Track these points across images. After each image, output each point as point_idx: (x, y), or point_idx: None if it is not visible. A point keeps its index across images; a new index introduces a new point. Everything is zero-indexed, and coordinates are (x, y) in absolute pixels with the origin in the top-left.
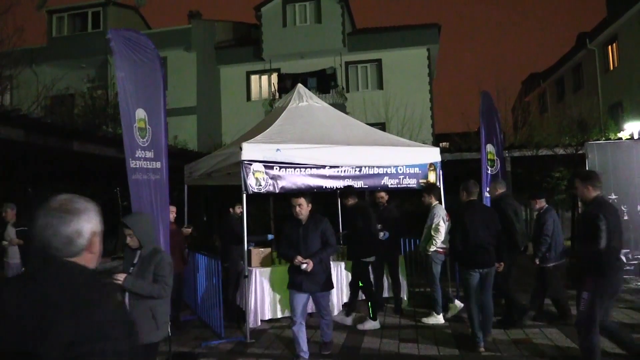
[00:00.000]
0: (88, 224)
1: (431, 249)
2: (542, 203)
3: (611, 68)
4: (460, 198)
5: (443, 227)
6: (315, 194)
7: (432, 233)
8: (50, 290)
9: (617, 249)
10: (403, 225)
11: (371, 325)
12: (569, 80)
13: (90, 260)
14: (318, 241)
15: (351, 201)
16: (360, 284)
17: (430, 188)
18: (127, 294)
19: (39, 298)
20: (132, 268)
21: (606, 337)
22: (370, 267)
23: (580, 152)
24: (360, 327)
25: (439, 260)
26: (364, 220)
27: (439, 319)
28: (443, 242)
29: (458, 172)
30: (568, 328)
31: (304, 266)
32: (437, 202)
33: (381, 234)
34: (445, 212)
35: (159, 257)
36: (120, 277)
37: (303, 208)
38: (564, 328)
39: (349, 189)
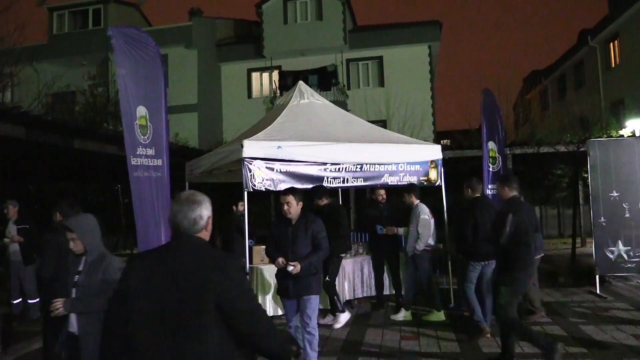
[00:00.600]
0: (206, 210)
1: (420, 248)
2: None
3: (613, 65)
4: (464, 195)
5: (430, 225)
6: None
7: (420, 231)
8: (190, 256)
9: (527, 244)
10: (404, 222)
11: (344, 317)
12: (571, 77)
13: (205, 236)
14: (308, 243)
15: (325, 201)
16: (327, 279)
17: (411, 188)
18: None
19: (185, 262)
20: (77, 277)
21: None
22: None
23: (582, 149)
24: (337, 326)
25: (427, 258)
26: (343, 218)
27: (440, 315)
28: (430, 240)
29: (459, 169)
30: (569, 323)
31: (290, 268)
32: (419, 200)
33: (401, 229)
34: (428, 209)
35: (107, 262)
36: (59, 304)
37: (292, 206)
38: (564, 323)
39: (321, 189)
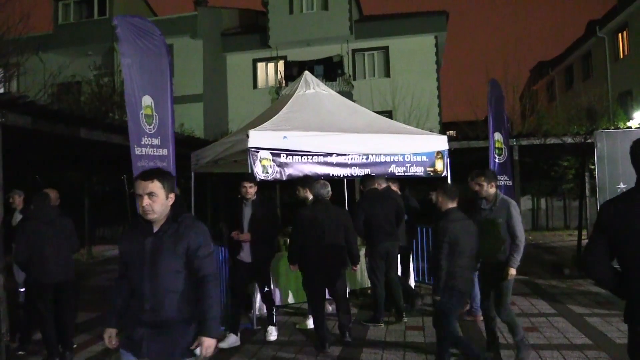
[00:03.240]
0: (329, 188)
1: None
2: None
3: (621, 56)
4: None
5: None
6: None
7: None
8: (334, 208)
9: (376, 226)
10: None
11: (233, 340)
12: (578, 68)
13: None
14: (178, 266)
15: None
16: (267, 289)
17: (305, 181)
18: None
19: (333, 210)
20: None
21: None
22: None
23: (589, 141)
24: (222, 345)
25: None
26: (276, 217)
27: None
28: None
29: (465, 160)
30: (574, 315)
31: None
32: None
33: None
34: None
35: None
36: None
37: (156, 201)
38: (569, 315)
39: (249, 177)
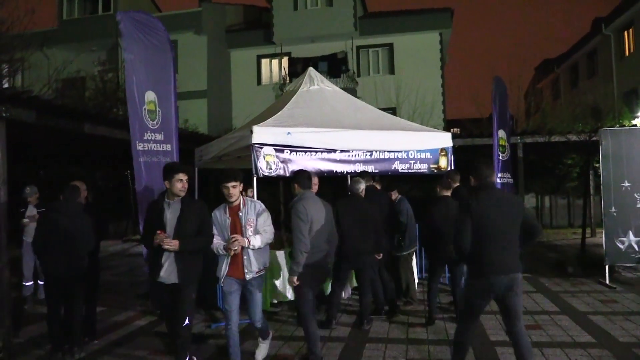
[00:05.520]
0: (363, 184)
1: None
2: (396, 194)
3: (627, 54)
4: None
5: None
6: (323, 178)
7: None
8: (367, 200)
9: (318, 236)
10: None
11: None
12: (584, 66)
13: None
14: None
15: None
16: (187, 322)
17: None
18: None
19: (365, 201)
20: None
21: None
22: None
23: (594, 139)
24: None
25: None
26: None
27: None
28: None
29: (470, 157)
30: (577, 313)
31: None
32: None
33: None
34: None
35: None
36: None
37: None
38: (573, 313)
39: (185, 169)
